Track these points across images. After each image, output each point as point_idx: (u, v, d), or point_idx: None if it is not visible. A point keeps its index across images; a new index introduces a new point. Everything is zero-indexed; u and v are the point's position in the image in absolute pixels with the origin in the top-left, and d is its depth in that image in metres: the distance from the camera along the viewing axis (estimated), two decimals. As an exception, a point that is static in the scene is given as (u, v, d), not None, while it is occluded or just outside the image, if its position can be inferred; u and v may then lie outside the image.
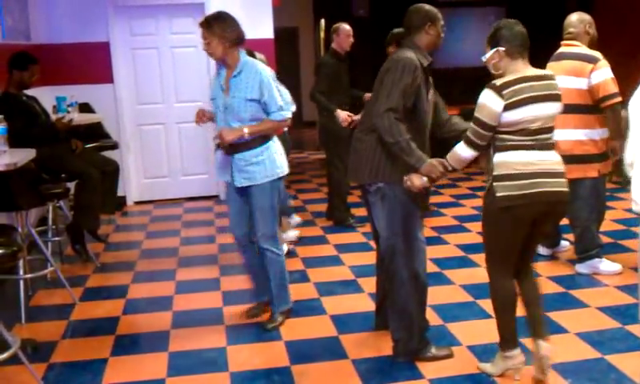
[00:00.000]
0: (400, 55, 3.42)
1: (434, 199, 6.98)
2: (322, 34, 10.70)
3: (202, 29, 3.86)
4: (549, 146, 3.23)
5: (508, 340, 3.39)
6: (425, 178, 3.30)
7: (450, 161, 3.29)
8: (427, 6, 3.59)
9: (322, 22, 10.41)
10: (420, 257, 3.59)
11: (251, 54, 4.73)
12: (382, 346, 3.75)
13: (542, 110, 3.16)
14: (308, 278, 4.96)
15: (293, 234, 5.62)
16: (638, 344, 3.68)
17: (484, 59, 3.29)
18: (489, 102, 3.10)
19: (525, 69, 3.20)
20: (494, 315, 3.44)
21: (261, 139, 3.93)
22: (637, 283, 4.56)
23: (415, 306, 3.57)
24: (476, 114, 3.16)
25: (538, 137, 3.17)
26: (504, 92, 3.09)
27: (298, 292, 4.67)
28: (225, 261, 5.44)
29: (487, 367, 3.49)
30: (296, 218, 6.05)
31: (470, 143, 3.18)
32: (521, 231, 3.21)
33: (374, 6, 10.75)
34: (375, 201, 3.51)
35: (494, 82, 3.14)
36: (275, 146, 4.03)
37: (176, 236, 6.25)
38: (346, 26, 6.20)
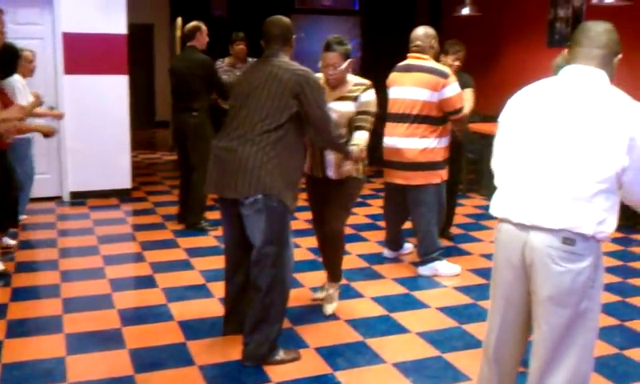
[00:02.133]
0: (297, 65, 3.54)
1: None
2: (179, 33, 10.49)
3: None
4: None
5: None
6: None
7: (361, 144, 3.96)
8: (287, 19, 3.71)
9: (179, 20, 10.20)
10: (289, 264, 3.62)
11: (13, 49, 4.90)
12: (231, 351, 3.72)
13: None
14: (156, 284, 4.81)
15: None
16: (474, 342, 3.90)
17: (342, 68, 3.91)
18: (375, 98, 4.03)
19: None
20: (328, 263, 4.31)
21: None
22: (474, 284, 4.86)
23: (277, 314, 3.59)
24: (373, 110, 4.00)
25: None
26: None
27: (144, 298, 4.54)
28: (66, 266, 5.15)
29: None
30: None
31: (370, 131, 4.01)
32: None
33: (232, 7, 10.72)
34: (251, 213, 3.44)
35: (368, 82, 4.04)
36: None
37: (13, 239, 5.84)
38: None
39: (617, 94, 2.41)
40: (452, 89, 4.84)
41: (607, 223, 2.36)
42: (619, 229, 6.13)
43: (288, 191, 3.48)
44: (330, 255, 4.31)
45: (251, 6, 10.31)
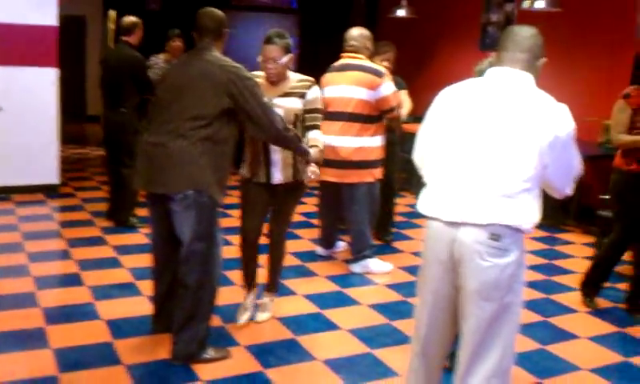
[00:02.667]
0: (229, 61, 3.47)
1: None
2: (112, 25, 10.27)
3: None
4: None
5: None
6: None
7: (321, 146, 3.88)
8: (219, 11, 3.64)
9: (112, 12, 9.98)
10: (218, 261, 3.58)
11: None
12: (159, 349, 3.66)
13: None
14: (82, 282, 4.68)
15: None
16: (403, 339, 3.94)
17: (282, 62, 3.77)
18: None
19: None
20: (271, 268, 4.15)
21: None
22: (405, 282, 4.92)
23: (206, 311, 3.54)
24: (321, 107, 3.95)
25: None
26: None
27: (70, 296, 4.43)
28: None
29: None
30: None
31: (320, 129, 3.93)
32: None
33: (166, 0, 10.60)
34: (180, 209, 3.38)
35: (312, 79, 3.94)
36: None
37: None
38: None
39: (541, 95, 2.52)
40: (387, 87, 4.91)
41: (531, 215, 2.48)
42: (544, 228, 6.34)
43: (217, 186, 3.44)
44: (274, 262, 4.18)
45: (186, 1, 10.17)
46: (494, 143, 2.46)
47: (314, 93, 3.93)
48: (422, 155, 2.75)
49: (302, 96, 3.90)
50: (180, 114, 3.39)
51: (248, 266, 4.14)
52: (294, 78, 3.95)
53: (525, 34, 2.59)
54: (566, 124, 2.47)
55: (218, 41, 3.58)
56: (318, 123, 3.95)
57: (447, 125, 2.59)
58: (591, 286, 4.66)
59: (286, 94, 3.89)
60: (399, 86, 5.65)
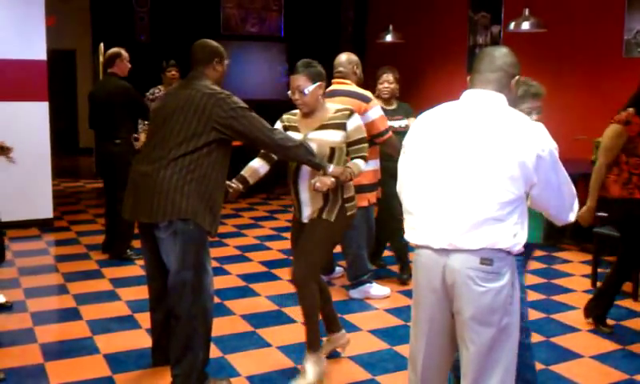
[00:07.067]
0: (217, 88, 3.46)
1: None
2: (102, 59, 10.33)
3: None
4: None
5: (332, 323, 4.00)
6: (333, 179, 3.54)
7: (354, 170, 3.68)
8: (214, 43, 3.65)
9: (102, 45, 10.04)
10: (208, 290, 3.53)
11: None
12: (160, 383, 3.62)
13: None
14: (80, 316, 4.65)
15: None
16: (405, 364, 3.88)
17: (307, 92, 3.60)
18: None
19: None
20: (303, 321, 3.73)
21: None
22: (404, 306, 4.91)
23: (201, 342, 3.49)
24: (363, 135, 3.74)
25: None
26: None
27: (69, 331, 4.39)
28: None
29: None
30: None
31: (366, 159, 3.79)
32: None
33: (155, 32, 10.68)
34: (166, 237, 3.35)
35: (350, 107, 3.80)
36: None
37: None
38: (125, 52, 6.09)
39: (516, 115, 2.50)
40: (375, 112, 4.88)
41: (520, 235, 2.45)
42: (542, 247, 6.32)
43: (207, 214, 3.39)
44: (304, 315, 3.75)
45: (175, 32, 10.25)
46: (475, 167, 2.42)
47: (354, 122, 3.71)
48: (402, 183, 2.69)
49: (340, 127, 3.67)
50: (165, 143, 3.37)
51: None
52: (332, 109, 3.74)
53: (495, 54, 2.58)
54: (545, 142, 2.45)
55: (208, 70, 3.56)
56: (364, 154, 3.77)
57: (426, 151, 2.55)
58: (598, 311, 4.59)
59: (322, 127, 3.67)
60: (407, 113, 5.65)
